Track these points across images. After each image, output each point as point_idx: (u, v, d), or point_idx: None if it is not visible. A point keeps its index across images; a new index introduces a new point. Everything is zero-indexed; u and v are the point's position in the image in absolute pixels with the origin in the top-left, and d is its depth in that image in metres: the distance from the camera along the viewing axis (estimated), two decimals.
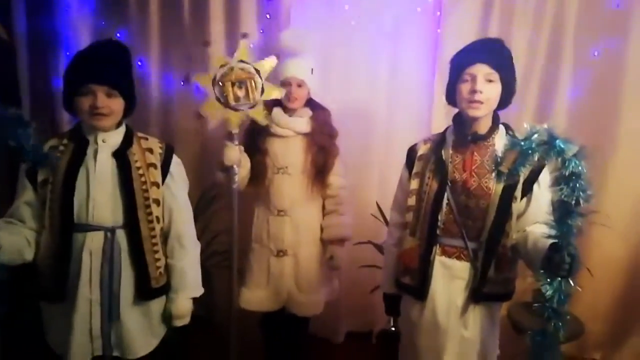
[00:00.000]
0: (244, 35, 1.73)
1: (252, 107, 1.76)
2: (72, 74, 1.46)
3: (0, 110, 1.27)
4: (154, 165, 1.54)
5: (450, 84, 1.58)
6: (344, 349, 2.72)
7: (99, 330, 1.50)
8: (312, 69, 2.05)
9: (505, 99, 1.55)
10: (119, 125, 1.53)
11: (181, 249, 1.61)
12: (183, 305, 1.61)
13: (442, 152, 1.59)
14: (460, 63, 1.53)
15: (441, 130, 1.70)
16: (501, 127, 1.58)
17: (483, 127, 1.56)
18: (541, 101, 2.49)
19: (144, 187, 1.51)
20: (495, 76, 1.49)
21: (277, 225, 2.05)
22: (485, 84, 1.48)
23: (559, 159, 1.22)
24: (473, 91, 1.48)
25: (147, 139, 1.59)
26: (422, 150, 1.67)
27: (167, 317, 1.62)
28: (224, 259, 2.36)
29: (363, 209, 2.58)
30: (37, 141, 1.38)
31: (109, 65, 1.46)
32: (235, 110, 1.75)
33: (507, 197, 1.50)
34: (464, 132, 1.57)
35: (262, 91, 1.76)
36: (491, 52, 1.51)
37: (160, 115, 2.54)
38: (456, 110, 1.63)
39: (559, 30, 2.41)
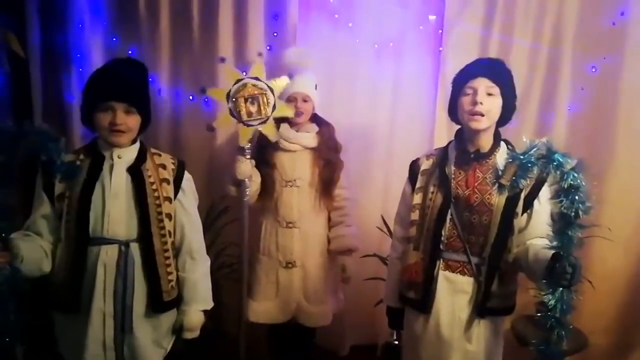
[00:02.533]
0: (260, 54, 1.82)
1: (264, 122, 1.82)
2: (92, 90, 1.50)
3: (31, 125, 1.30)
4: (166, 181, 1.58)
5: (452, 99, 1.62)
6: None
7: (112, 341, 1.52)
8: (315, 85, 2.12)
9: (506, 115, 1.58)
10: (134, 141, 1.57)
11: (193, 262, 1.64)
12: (195, 318, 1.64)
13: (445, 167, 1.62)
14: (462, 78, 1.58)
15: (444, 144, 1.73)
16: (502, 143, 1.61)
17: (485, 144, 1.58)
18: (540, 116, 2.55)
19: (157, 201, 1.54)
20: (496, 90, 1.53)
21: (286, 237, 2.08)
22: (486, 97, 1.52)
23: (558, 172, 1.26)
24: (474, 102, 1.51)
25: (160, 155, 1.63)
26: (424, 165, 1.69)
27: (178, 329, 1.64)
28: (232, 271, 2.39)
29: (366, 222, 2.62)
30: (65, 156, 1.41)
31: (128, 83, 1.50)
32: (247, 125, 1.80)
33: (509, 213, 1.52)
34: (466, 149, 1.60)
35: (274, 108, 1.81)
36: (492, 67, 1.56)
37: (170, 129, 2.59)
38: (458, 127, 1.67)
39: (558, 46, 2.48)
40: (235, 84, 1.78)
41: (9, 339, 1.33)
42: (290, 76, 1.93)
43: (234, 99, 1.77)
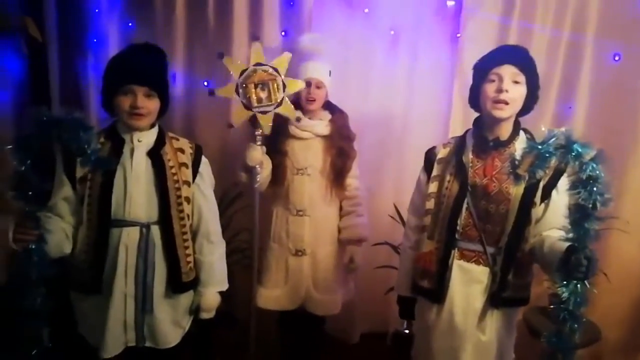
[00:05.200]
0: (256, 38, 1.80)
1: (279, 105, 1.80)
2: (113, 74, 1.52)
3: (64, 113, 1.31)
4: (185, 165, 1.60)
5: (474, 86, 1.58)
6: (359, 350, 2.74)
7: (133, 321, 1.56)
8: (329, 72, 2.09)
9: (528, 105, 1.55)
10: (152, 125, 1.59)
11: (210, 245, 1.67)
12: (211, 299, 1.68)
13: (463, 156, 1.60)
14: (487, 64, 1.54)
15: (459, 134, 1.71)
16: (521, 132, 1.58)
17: (504, 132, 1.56)
18: (560, 105, 2.49)
19: (176, 185, 1.57)
20: (522, 78, 1.50)
21: (296, 225, 2.08)
22: (511, 85, 1.49)
23: (577, 163, 1.23)
24: (499, 90, 1.48)
25: (178, 139, 1.65)
26: (441, 153, 1.67)
27: (194, 310, 1.68)
28: (245, 257, 2.41)
29: (379, 211, 2.61)
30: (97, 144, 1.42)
31: (149, 67, 1.53)
32: (264, 113, 1.79)
33: (527, 202, 1.50)
34: (484, 137, 1.57)
35: (284, 87, 1.80)
36: (518, 55, 1.53)
37: (184, 115, 2.61)
38: (475, 115, 1.64)
39: (580, 34, 2.41)
40: (240, 75, 1.78)
41: (36, 322, 1.37)
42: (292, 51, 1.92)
43: (244, 85, 1.76)
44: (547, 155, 1.23)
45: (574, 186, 1.26)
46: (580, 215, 1.26)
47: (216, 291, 1.69)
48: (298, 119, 2.02)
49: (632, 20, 2.34)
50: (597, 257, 1.28)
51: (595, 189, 1.23)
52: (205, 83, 2.58)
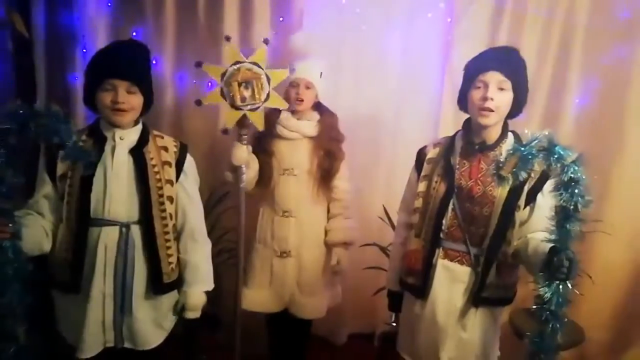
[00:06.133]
0: (266, 42, 1.78)
1: (253, 109, 1.78)
2: (94, 69, 1.51)
3: (42, 107, 1.30)
4: (168, 164, 1.59)
5: (463, 90, 1.60)
6: (346, 350, 2.75)
7: (111, 322, 1.54)
8: (321, 73, 2.08)
9: (516, 109, 1.56)
10: (136, 123, 1.58)
11: (195, 244, 1.66)
12: (197, 298, 1.66)
13: (451, 157, 1.61)
14: (474, 70, 1.55)
15: (449, 134, 1.72)
16: (510, 135, 1.59)
17: (492, 136, 1.57)
18: (549, 108, 2.51)
19: (158, 184, 1.55)
20: (508, 84, 1.51)
21: (281, 226, 2.07)
22: (497, 92, 1.50)
23: (559, 165, 1.25)
24: (484, 98, 1.49)
25: (162, 137, 1.64)
26: (431, 153, 1.69)
27: (179, 309, 1.67)
28: (231, 257, 2.40)
29: (369, 212, 2.61)
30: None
31: (130, 62, 1.51)
32: (236, 109, 1.76)
33: (510, 205, 1.52)
34: (472, 140, 1.59)
35: (267, 98, 1.79)
36: (505, 60, 1.53)
37: (173, 113, 2.59)
38: (466, 116, 1.65)
39: (569, 37, 2.43)
40: (232, 65, 1.75)
41: (12, 320, 1.35)
42: (292, 71, 1.90)
43: (228, 84, 1.75)
44: (530, 157, 1.25)
45: (556, 188, 1.28)
46: (562, 216, 1.28)
47: (202, 290, 1.68)
48: (276, 130, 2.00)
49: (622, 22, 2.36)
50: (578, 258, 1.30)
51: (576, 191, 1.24)
52: (194, 81, 2.56)
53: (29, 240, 1.40)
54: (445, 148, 1.66)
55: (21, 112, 1.27)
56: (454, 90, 2.50)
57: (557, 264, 1.29)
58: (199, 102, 1.80)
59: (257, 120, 1.80)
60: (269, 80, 1.77)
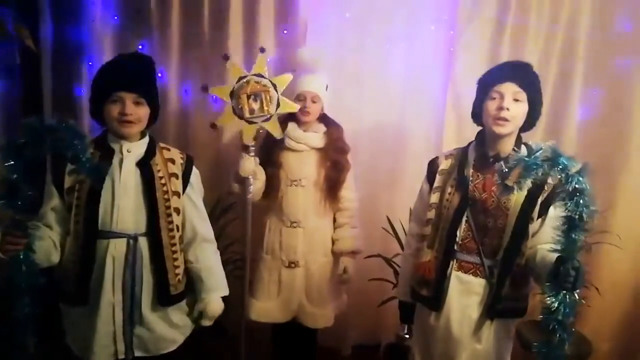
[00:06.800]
0: (262, 50, 1.81)
1: (267, 119, 1.81)
2: (101, 82, 1.52)
3: (57, 121, 1.31)
4: (175, 175, 1.60)
5: (477, 102, 1.62)
6: None
7: (121, 333, 1.55)
8: (326, 86, 2.11)
9: (530, 121, 1.58)
10: (142, 135, 1.59)
11: (206, 250, 1.67)
12: (216, 305, 1.67)
13: (465, 169, 1.62)
14: (489, 81, 1.57)
15: (452, 147, 1.74)
16: (523, 147, 1.59)
17: (505, 148, 1.58)
18: (552, 121, 2.52)
19: (165, 196, 1.56)
20: (523, 95, 1.53)
21: (290, 236, 2.08)
22: (512, 103, 1.52)
23: (563, 175, 1.25)
24: (500, 108, 1.51)
25: (169, 149, 1.65)
26: (443, 164, 1.70)
27: (197, 317, 1.67)
28: (237, 268, 2.40)
29: (373, 223, 2.61)
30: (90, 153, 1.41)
31: (137, 74, 1.53)
32: (250, 122, 1.80)
33: (524, 218, 1.52)
34: (486, 152, 1.60)
35: (278, 105, 1.81)
36: (521, 72, 1.55)
37: (178, 125, 2.61)
38: (469, 129, 1.67)
39: (570, 51, 2.45)
40: (238, 81, 1.78)
41: (22, 331, 1.36)
42: (294, 71, 1.92)
43: (238, 95, 1.77)
44: (534, 167, 1.26)
45: (561, 198, 1.28)
46: (567, 226, 1.28)
47: (219, 296, 1.68)
48: (283, 141, 2.02)
49: (623, 35, 2.38)
50: (584, 268, 1.30)
51: (581, 201, 1.25)
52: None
53: (39, 252, 1.41)
54: (458, 160, 1.66)
55: (37, 127, 1.29)
56: (456, 101, 2.56)
57: (564, 273, 1.29)
58: (213, 126, 1.82)
59: (274, 129, 1.82)
60: (276, 88, 1.80)
